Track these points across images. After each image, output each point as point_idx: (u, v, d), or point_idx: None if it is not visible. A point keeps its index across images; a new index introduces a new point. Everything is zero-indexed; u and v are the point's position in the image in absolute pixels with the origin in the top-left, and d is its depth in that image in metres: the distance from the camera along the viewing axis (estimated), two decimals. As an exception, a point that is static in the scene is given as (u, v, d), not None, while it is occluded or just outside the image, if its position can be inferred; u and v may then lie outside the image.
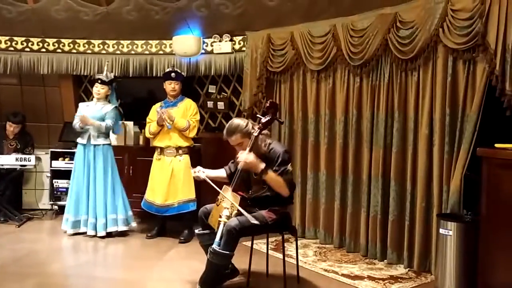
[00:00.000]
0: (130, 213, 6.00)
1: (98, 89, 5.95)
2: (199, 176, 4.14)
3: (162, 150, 5.83)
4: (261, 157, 3.90)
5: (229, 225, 3.69)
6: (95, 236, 5.76)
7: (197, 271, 4.06)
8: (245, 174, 3.98)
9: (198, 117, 5.90)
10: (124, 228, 5.91)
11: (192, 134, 5.82)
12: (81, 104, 6.13)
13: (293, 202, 4.57)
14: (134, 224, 6.03)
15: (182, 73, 6.07)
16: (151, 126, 5.86)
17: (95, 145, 5.86)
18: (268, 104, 3.99)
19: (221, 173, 4.32)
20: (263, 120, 3.91)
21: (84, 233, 5.80)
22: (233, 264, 4.13)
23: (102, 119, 5.88)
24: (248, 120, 4.17)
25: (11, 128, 6.87)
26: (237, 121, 4.05)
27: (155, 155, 5.91)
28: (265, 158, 3.93)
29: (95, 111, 5.92)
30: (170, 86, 5.84)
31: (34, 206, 7.16)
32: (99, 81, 5.95)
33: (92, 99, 6.19)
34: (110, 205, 5.85)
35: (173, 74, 5.86)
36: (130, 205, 6.03)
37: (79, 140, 5.93)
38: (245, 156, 3.79)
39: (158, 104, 5.96)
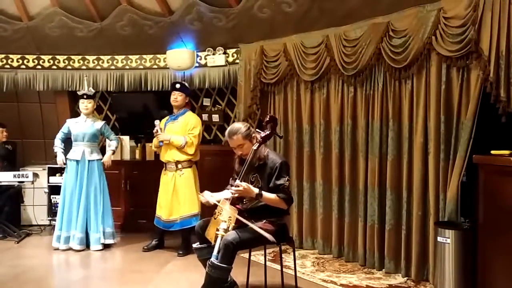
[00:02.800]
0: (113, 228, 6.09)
1: (86, 105, 6.03)
2: (208, 201, 4.05)
3: (166, 164, 5.83)
4: (258, 166, 3.93)
5: (226, 239, 3.67)
6: (82, 250, 5.82)
7: (196, 284, 4.03)
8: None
9: (196, 132, 5.74)
10: (112, 241, 6.02)
11: (190, 151, 5.69)
12: (69, 120, 6.18)
13: (290, 213, 4.54)
14: (116, 240, 6.12)
15: (187, 86, 6.01)
16: (154, 140, 5.90)
17: (89, 161, 5.92)
18: (267, 119, 3.99)
19: (226, 194, 4.26)
20: (262, 134, 3.92)
21: (71, 248, 5.84)
22: (232, 278, 4.11)
23: (95, 135, 6.03)
24: (248, 124, 4.21)
25: (2, 134, 6.92)
26: (238, 124, 4.10)
27: (163, 170, 5.90)
28: (262, 167, 3.95)
29: (87, 127, 6.00)
30: (173, 97, 5.84)
31: (32, 222, 7.14)
32: (85, 96, 6.02)
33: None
34: (103, 219, 5.93)
35: (177, 85, 5.87)
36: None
37: (71, 156, 5.96)
38: (238, 190, 3.79)
39: (165, 119, 5.95)
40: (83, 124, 6.02)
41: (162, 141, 5.70)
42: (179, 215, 5.70)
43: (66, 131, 6.06)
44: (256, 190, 3.81)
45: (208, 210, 4.52)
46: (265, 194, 3.84)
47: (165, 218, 5.75)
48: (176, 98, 5.83)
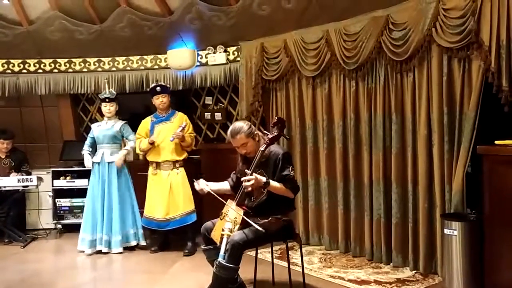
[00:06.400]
0: (141, 230, 6.04)
1: (108, 108, 6.04)
2: (203, 189, 4.12)
3: (158, 164, 5.83)
4: (262, 163, 3.91)
5: (233, 240, 3.67)
6: (108, 253, 5.82)
7: (203, 284, 4.04)
8: None
9: (191, 130, 5.96)
10: (135, 243, 5.99)
11: (192, 147, 5.95)
12: (93, 125, 6.21)
13: (295, 208, 4.53)
14: (143, 243, 6.04)
15: (168, 86, 6.07)
16: (141, 142, 5.88)
17: (109, 163, 5.94)
18: (275, 120, 3.98)
19: (224, 185, 4.30)
20: (270, 136, 3.91)
21: (99, 251, 5.84)
22: (242, 280, 4.10)
23: (115, 136, 6.05)
24: (250, 122, 4.21)
25: (3, 145, 6.84)
26: (240, 123, 4.08)
27: (151, 170, 5.91)
28: (266, 162, 3.95)
29: (107, 129, 6.03)
30: (158, 100, 5.86)
31: (38, 226, 7.17)
32: (107, 100, 6.01)
33: (91, 118, 6.25)
34: (125, 221, 5.94)
35: (158, 88, 5.87)
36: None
37: (94, 159, 6.00)
38: (249, 183, 3.76)
39: (148, 119, 5.98)
40: (104, 127, 6.05)
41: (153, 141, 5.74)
42: (178, 212, 5.72)
43: (92, 136, 6.08)
44: (264, 179, 3.80)
45: (211, 211, 4.51)
46: (272, 182, 3.84)
47: (160, 217, 5.75)
48: (163, 101, 5.86)
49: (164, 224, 5.76)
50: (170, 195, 5.74)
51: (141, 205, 6.00)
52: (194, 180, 4.23)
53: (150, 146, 5.78)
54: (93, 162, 5.99)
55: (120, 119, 6.12)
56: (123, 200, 5.95)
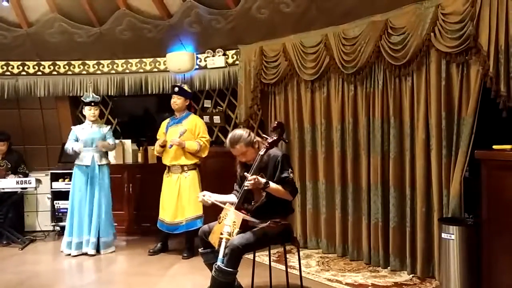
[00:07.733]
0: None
1: (93, 111, 6.06)
2: (205, 201, 4.05)
3: (169, 167, 5.83)
4: (261, 166, 3.92)
5: (232, 244, 3.66)
6: (95, 255, 5.84)
7: (201, 286, 4.04)
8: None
9: (207, 135, 5.87)
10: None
11: (204, 154, 5.83)
12: (75, 128, 6.17)
13: (294, 210, 4.53)
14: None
15: (186, 89, 6.00)
16: (156, 144, 5.92)
17: (100, 165, 5.97)
18: (275, 125, 4.00)
19: (230, 198, 4.20)
20: (269, 140, 3.92)
21: (85, 253, 5.85)
22: (239, 283, 4.10)
23: (103, 139, 6.05)
24: (249, 130, 4.19)
25: None
26: (239, 132, 4.07)
27: (165, 173, 5.91)
28: (265, 163, 3.95)
29: (95, 132, 6.02)
30: (172, 100, 5.87)
31: (36, 228, 7.15)
32: (93, 104, 6.03)
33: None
34: (112, 222, 6.05)
35: (176, 89, 5.89)
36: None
37: (80, 162, 5.97)
38: (250, 183, 3.76)
39: (166, 121, 5.99)
40: (90, 130, 6.04)
41: (171, 145, 5.67)
42: (185, 217, 5.70)
43: (74, 138, 6.03)
44: (263, 180, 3.80)
45: (211, 213, 4.51)
46: (272, 184, 3.85)
47: (169, 221, 5.74)
48: (175, 101, 5.86)
49: (173, 228, 5.75)
50: (178, 199, 5.72)
51: (139, 207, 6.02)
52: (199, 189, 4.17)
53: (162, 148, 5.80)
54: (81, 165, 5.96)
55: (101, 123, 6.20)
56: (111, 203, 6.06)
